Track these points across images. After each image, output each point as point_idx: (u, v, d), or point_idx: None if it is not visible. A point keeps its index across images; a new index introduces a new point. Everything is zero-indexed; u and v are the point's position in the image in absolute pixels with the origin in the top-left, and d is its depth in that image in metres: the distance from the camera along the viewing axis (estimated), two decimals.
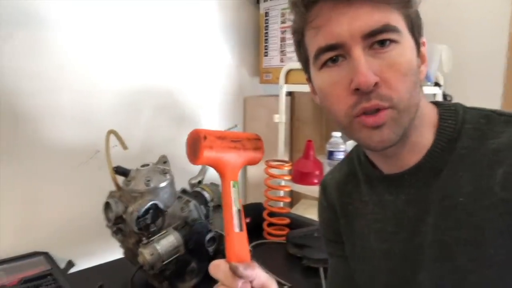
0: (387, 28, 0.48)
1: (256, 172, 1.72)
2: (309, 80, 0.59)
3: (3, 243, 1.11)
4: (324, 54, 0.51)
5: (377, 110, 0.49)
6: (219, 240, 1.02)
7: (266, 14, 1.62)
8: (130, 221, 0.91)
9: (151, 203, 0.92)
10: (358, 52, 0.48)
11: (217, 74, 1.61)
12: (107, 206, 0.97)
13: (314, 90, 0.58)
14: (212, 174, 1.06)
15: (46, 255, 1.10)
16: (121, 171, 0.98)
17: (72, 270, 1.09)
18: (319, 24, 0.50)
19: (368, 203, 0.64)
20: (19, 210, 1.14)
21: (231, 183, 0.54)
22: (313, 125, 1.90)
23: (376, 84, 0.48)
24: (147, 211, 0.92)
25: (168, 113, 1.46)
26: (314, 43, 0.52)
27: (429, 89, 1.38)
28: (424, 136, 0.55)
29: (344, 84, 0.50)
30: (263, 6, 1.64)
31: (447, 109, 0.57)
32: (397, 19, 0.49)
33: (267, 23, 1.62)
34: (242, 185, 1.78)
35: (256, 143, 0.59)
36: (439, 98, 1.39)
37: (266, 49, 1.65)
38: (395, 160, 0.57)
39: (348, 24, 0.48)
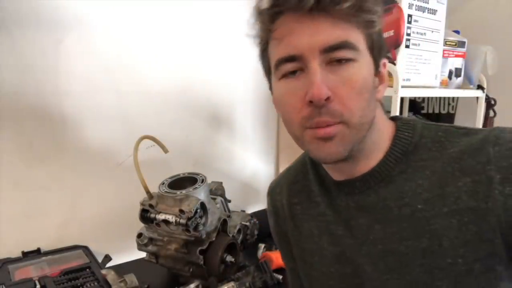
0: (345, 44, 0.48)
1: None
2: (270, 89, 0.60)
3: (48, 236, 1.17)
4: (284, 65, 0.51)
5: (328, 125, 0.49)
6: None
7: None
8: (182, 223, 0.91)
9: (200, 201, 0.92)
10: (315, 66, 0.48)
11: (251, 74, 1.61)
12: (143, 212, 0.99)
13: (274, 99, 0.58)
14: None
15: (85, 248, 1.14)
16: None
17: (109, 264, 1.12)
18: (281, 34, 0.51)
19: (319, 204, 0.63)
20: (63, 205, 1.19)
21: None
22: None
23: (328, 98, 0.48)
24: (196, 210, 0.92)
25: (204, 114, 1.48)
26: (275, 53, 0.52)
27: (471, 93, 1.32)
28: (380, 149, 0.56)
29: (300, 95, 0.50)
30: None
31: (405, 123, 0.58)
32: (357, 38, 0.49)
33: None
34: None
35: None
36: (482, 102, 1.33)
37: None
38: (347, 170, 0.58)
39: (309, 37, 0.48)
